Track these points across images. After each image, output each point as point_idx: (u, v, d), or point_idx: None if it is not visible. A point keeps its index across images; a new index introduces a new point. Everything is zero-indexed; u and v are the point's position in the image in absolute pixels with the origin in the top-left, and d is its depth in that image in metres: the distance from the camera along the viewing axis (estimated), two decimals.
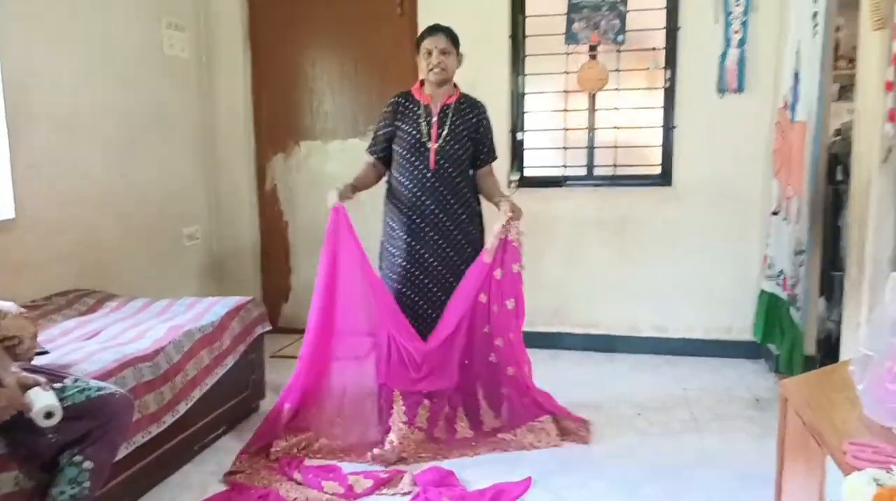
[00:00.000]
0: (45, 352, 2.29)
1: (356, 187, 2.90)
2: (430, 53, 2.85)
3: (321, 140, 4.39)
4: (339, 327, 2.85)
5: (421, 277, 2.93)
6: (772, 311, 3.48)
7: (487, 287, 2.82)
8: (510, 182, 3.94)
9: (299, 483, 2.49)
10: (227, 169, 4.47)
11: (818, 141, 2.98)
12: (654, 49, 3.86)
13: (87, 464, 1.88)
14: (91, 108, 3.42)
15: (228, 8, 4.33)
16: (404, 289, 2.94)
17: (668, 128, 3.88)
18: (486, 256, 2.81)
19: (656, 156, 3.96)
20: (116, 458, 2.05)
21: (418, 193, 2.90)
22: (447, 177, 2.90)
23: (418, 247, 2.92)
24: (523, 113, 4.07)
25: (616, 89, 3.91)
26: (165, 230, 4.02)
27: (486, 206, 3.04)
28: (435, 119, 2.90)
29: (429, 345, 2.81)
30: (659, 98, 3.90)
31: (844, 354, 2.64)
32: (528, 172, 4.08)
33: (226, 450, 2.77)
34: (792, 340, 3.15)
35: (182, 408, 2.52)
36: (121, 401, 1.97)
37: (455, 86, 2.98)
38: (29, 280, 3.02)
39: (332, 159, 4.35)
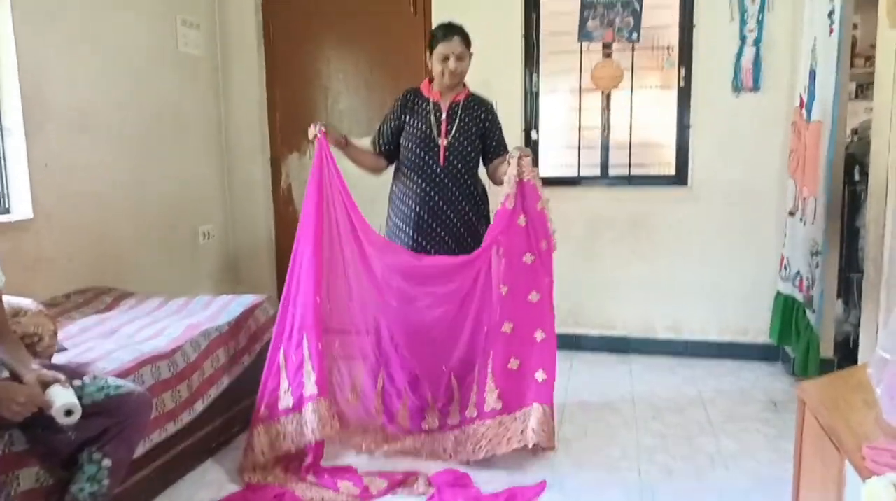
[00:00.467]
0: (64, 350, 2.32)
1: (351, 146, 2.89)
2: (446, 59, 2.82)
3: None
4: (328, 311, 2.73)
5: None
6: (788, 313, 3.45)
7: (507, 238, 2.65)
8: None
9: (313, 484, 2.50)
10: (242, 167, 4.49)
11: (834, 140, 2.96)
12: (668, 47, 3.84)
13: (106, 462, 1.90)
14: (106, 107, 3.44)
15: (243, 5, 4.35)
16: None
17: (683, 127, 3.86)
18: (508, 202, 2.64)
19: (671, 155, 3.94)
20: (134, 456, 2.07)
21: (427, 188, 2.89)
22: (456, 174, 2.89)
23: (424, 242, 2.91)
24: (537, 112, 4.06)
25: (630, 88, 3.89)
26: (180, 228, 4.05)
27: (494, 208, 3.00)
28: (444, 116, 2.90)
29: (424, 261, 2.79)
30: (674, 96, 3.88)
31: (863, 357, 2.62)
32: (542, 172, 4.05)
33: (242, 449, 2.77)
34: (807, 342, 3.13)
35: (199, 406, 2.54)
36: (139, 399, 1.99)
37: (464, 84, 2.97)
38: (46, 278, 3.05)
39: (347, 158, 4.33)
